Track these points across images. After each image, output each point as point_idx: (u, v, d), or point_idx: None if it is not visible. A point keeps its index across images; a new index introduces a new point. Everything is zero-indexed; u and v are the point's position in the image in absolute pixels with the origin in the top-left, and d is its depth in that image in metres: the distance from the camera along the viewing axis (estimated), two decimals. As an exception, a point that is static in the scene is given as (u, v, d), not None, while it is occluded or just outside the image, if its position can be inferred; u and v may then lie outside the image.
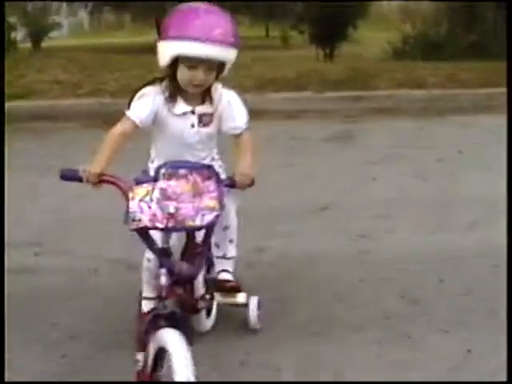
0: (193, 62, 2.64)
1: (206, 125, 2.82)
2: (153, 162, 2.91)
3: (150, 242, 2.48)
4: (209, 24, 2.61)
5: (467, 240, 4.29)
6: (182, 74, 2.68)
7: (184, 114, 2.78)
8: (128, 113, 2.72)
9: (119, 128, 2.70)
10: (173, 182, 2.39)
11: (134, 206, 2.35)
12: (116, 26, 25.82)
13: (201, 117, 2.80)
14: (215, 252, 3.10)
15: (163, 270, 2.46)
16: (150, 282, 2.92)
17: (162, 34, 2.70)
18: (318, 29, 13.67)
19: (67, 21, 22.77)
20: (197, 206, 2.39)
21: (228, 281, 3.12)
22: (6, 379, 2.63)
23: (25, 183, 5.22)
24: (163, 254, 2.50)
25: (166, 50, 2.66)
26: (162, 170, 2.41)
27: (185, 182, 2.40)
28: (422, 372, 2.88)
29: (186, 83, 2.70)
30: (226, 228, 3.05)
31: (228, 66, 2.73)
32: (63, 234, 4.46)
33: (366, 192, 5.24)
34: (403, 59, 11.29)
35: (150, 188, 2.37)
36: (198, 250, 2.76)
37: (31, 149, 6.37)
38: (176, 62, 2.66)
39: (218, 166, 2.88)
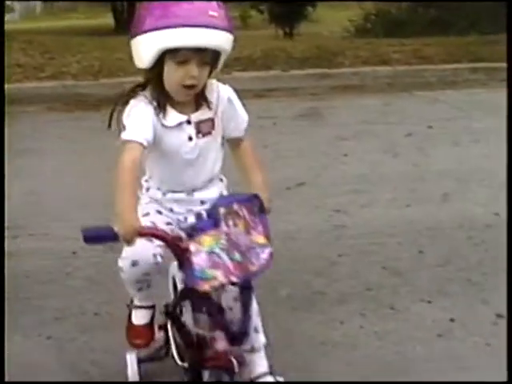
0: (183, 56, 2.11)
1: (206, 134, 2.28)
2: (147, 181, 2.43)
3: (209, 302, 2.05)
4: (199, 7, 2.09)
5: (442, 212, 4.35)
6: (170, 73, 2.15)
7: (179, 124, 2.24)
8: (128, 137, 2.13)
9: (128, 159, 2.10)
10: (231, 222, 1.98)
11: (201, 261, 1.91)
12: (69, 9, 25.39)
13: (199, 125, 2.26)
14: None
15: (220, 334, 2.05)
16: (143, 292, 2.50)
17: (138, 27, 2.14)
18: (277, 8, 13.62)
19: (19, 4, 22.31)
20: (250, 244, 1.99)
21: None
22: (7, 379, 2.60)
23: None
24: (220, 312, 2.07)
25: (148, 46, 2.11)
26: (221, 210, 1.98)
27: (238, 219, 2.00)
28: (408, 342, 2.91)
29: (176, 86, 2.17)
30: None
31: (223, 58, 2.20)
32: (40, 216, 4.40)
33: (338, 168, 5.26)
34: (365, 37, 11.32)
35: (217, 235, 1.95)
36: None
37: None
38: (161, 60, 2.13)
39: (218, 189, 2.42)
